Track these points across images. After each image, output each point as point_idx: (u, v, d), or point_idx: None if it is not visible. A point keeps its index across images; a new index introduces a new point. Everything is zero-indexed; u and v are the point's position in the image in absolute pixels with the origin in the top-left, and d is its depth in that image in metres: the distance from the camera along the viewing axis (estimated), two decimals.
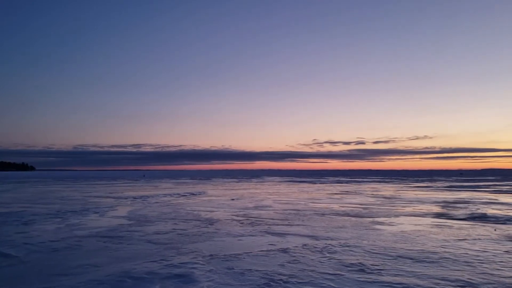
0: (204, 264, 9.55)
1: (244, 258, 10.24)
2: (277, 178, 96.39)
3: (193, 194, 35.90)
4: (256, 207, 23.51)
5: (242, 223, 16.79)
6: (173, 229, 15.08)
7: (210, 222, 17.08)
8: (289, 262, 9.77)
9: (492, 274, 8.61)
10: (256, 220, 17.55)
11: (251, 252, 10.90)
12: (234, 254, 10.72)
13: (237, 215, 19.47)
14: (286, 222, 16.96)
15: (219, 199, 29.91)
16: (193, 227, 15.49)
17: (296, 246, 11.74)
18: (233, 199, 29.86)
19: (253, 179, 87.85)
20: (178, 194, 36.59)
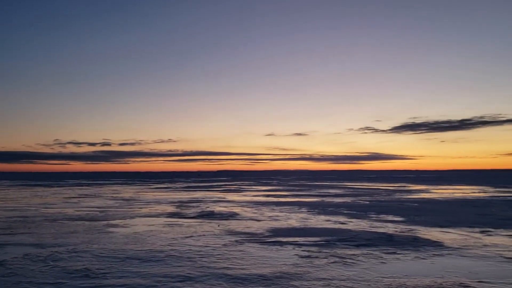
0: None
1: None
2: (7, 182, 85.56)
3: None
4: None
5: None
6: None
7: None
8: (3, 276, 8.72)
9: (208, 267, 9.50)
10: None
11: None
12: None
13: None
14: (9, 231, 15.18)
15: None
16: None
17: (15, 257, 10.59)
18: None
19: None
20: None
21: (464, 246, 12.06)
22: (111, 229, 15.66)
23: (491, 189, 47.02)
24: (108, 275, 8.79)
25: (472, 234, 14.19)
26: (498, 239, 13.27)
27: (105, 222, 17.71)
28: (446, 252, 11.23)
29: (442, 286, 7.94)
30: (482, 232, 14.71)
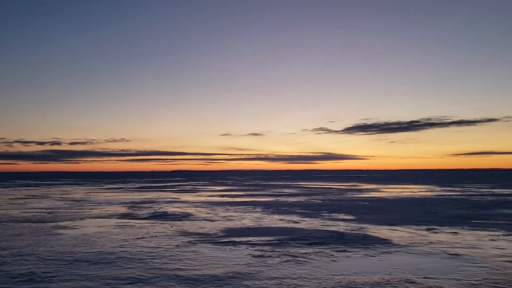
0: None
1: None
2: None
3: None
4: None
5: None
6: None
7: None
8: None
9: (160, 268, 9.37)
10: None
11: None
12: None
13: None
14: None
15: None
16: None
17: None
18: None
19: None
20: None
21: (411, 243, 12.49)
22: (59, 231, 15.14)
23: (437, 188, 49.00)
24: (54, 278, 8.49)
25: (418, 232, 14.72)
26: (443, 236, 13.83)
27: (53, 224, 17.10)
28: (394, 249, 11.60)
29: (389, 282, 8.19)
30: (428, 229, 15.29)
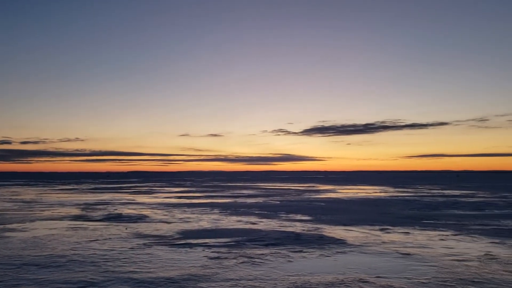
0: None
1: None
2: None
3: None
4: None
5: None
6: None
7: None
8: None
9: (113, 271, 9.14)
10: None
11: None
12: None
13: None
14: None
15: None
16: None
17: None
18: None
19: None
20: None
21: (365, 243, 12.77)
22: (7, 234, 14.51)
23: (391, 189, 50.42)
24: (0, 283, 8.12)
25: (372, 232, 15.07)
26: (395, 236, 14.23)
27: (0, 226, 16.38)
28: (349, 249, 11.82)
29: (343, 282, 8.33)
30: (381, 229, 15.69)
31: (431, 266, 9.76)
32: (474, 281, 8.40)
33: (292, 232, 14.85)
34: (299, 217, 20.02)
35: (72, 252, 11.30)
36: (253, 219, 19.14)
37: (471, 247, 12.08)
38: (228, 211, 22.65)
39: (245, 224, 17.34)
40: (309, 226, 16.70)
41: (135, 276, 8.75)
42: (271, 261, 10.26)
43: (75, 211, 22.67)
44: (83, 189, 50.56)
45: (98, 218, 19.57)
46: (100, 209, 24.14)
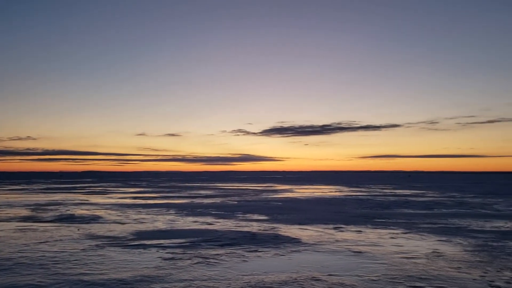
0: None
1: None
2: None
3: None
4: None
5: None
6: None
7: None
8: None
9: (63, 274, 8.88)
10: None
11: None
12: None
13: None
14: None
15: None
16: None
17: None
18: None
19: None
20: None
21: (318, 242, 13.00)
22: None
23: (345, 189, 51.53)
24: None
25: (326, 231, 15.36)
26: (348, 234, 14.56)
27: None
28: (303, 248, 12.00)
29: (296, 280, 8.45)
30: (335, 228, 16.01)
31: (381, 263, 10.05)
32: (421, 277, 8.73)
33: (248, 232, 14.91)
34: (256, 217, 20.12)
35: (20, 254, 10.89)
36: (209, 219, 19.08)
37: (419, 245, 12.53)
38: (184, 212, 22.47)
39: (201, 224, 17.26)
40: (266, 225, 16.82)
41: (85, 278, 8.55)
42: (226, 261, 10.27)
43: (25, 212, 21.84)
44: (34, 189, 48.76)
45: (49, 219, 18.94)
46: (51, 209, 23.36)
